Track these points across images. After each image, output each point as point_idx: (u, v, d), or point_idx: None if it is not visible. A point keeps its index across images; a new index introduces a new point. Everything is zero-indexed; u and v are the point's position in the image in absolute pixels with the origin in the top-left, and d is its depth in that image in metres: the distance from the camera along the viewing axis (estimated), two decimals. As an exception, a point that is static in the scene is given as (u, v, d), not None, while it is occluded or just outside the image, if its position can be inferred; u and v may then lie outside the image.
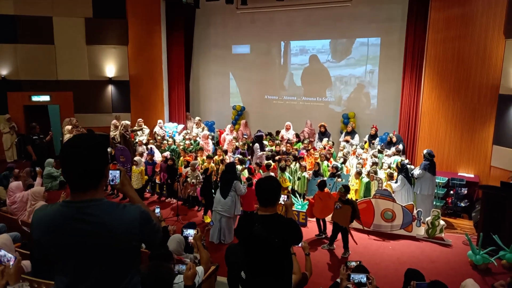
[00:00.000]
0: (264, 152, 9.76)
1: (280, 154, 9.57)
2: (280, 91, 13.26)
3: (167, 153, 9.42)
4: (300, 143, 10.54)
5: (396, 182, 7.84)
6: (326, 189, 7.15)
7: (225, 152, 9.66)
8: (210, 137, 11.22)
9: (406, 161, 8.44)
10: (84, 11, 12.75)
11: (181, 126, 12.54)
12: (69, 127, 10.84)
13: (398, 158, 8.62)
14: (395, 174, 8.11)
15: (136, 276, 1.84)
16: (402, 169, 7.84)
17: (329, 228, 7.11)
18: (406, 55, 10.25)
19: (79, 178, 1.70)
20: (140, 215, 1.78)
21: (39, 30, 12.44)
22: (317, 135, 11.14)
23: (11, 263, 3.01)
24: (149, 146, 10.21)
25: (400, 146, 9.34)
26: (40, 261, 3.46)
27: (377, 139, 10.34)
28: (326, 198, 6.97)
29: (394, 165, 8.53)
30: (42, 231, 1.74)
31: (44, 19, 12.44)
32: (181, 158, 9.56)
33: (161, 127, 11.94)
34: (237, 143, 10.59)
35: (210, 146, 10.80)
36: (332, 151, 9.85)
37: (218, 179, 8.36)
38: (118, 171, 2.00)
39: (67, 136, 10.69)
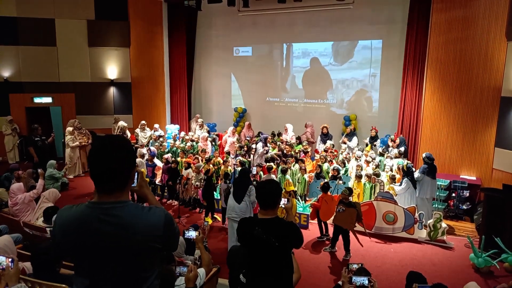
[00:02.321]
0: (263, 150, 9.76)
1: (280, 156, 9.57)
2: (281, 93, 13.27)
3: (168, 155, 9.41)
4: (300, 145, 10.53)
5: (400, 185, 7.82)
6: (329, 192, 7.09)
7: (228, 153, 9.64)
8: (210, 139, 11.22)
9: (411, 164, 8.41)
10: (86, 13, 12.81)
11: (176, 127, 12.59)
12: (70, 128, 10.85)
13: (400, 161, 8.58)
14: (398, 176, 8.08)
15: (157, 280, 1.83)
16: (408, 172, 7.78)
17: (330, 230, 7.09)
18: (407, 57, 10.25)
19: (107, 179, 1.71)
20: (165, 218, 1.79)
21: (41, 32, 12.49)
22: (319, 137, 11.13)
23: (10, 264, 3.01)
24: (152, 148, 10.21)
25: (402, 149, 9.31)
26: (51, 262, 3.45)
27: (378, 141, 10.33)
28: (330, 200, 6.94)
29: (395, 168, 8.51)
30: (65, 231, 1.73)
31: (46, 21, 12.48)
32: (179, 159, 9.56)
33: (155, 131, 11.93)
34: (239, 145, 10.57)
35: (209, 148, 10.78)
36: (335, 154, 9.85)
37: (219, 182, 8.37)
38: (136, 173, 1.99)
39: (68, 138, 10.70)
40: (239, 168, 8.77)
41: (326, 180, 7.93)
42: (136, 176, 1.98)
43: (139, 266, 1.74)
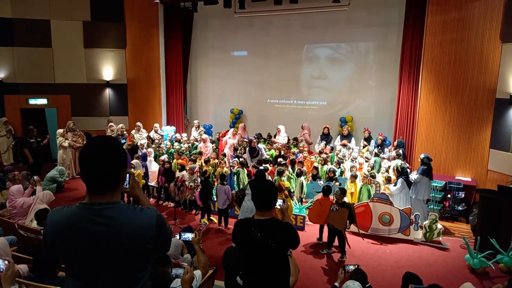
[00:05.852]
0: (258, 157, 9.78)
1: (280, 157, 9.55)
2: (277, 94, 13.26)
3: (164, 157, 9.38)
4: (295, 147, 10.48)
5: (395, 185, 7.83)
6: (330, 197, 6.86)
7: (224, 155, 9.61)
8: (209, 140, 11.19)
9: (406, 165, 8.43)
10: (82, 14, 12.77)
11: (172, 129, 12.55)
12: (60, 130, 10.75)
13: (399, 162, 8.56)
14: (393, 177, 8.10)
15: (150, 281, 1.83)
16: (402, 172, 7.80)
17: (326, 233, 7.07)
18: (403, 58, 10.27)
19: (99, 180, 1.70)
20: (157, 218, 1.78)
21: (37, 33, 12.44)
22: (319, 137, 11.09)
23: (7, 267, 3.00)
24: (149, 150, 10.16)
25: (400, 151, 9.33)
26: (45, 264, 3.43)
27: (372, 141, 10.34)
28: (326, 204, 6.79)
29: (391, 169, 8.51)
30: (56, 232, 1.72)
31: (41, 22, 12.44)
32: (175, 161, 9.53)
33: (156, 131, 11.91)
34: (238, 147, 10.52)
35: (209, 150, 10.74)
36: (329, 155, 9.83)
37: (215, 183, 8.34)
38: (127, 174, 1.98)
39: (59, 140, 10.61)
40: (239, 169, 8.75)
41: (327, 183, 7.82)
42: (127, 177, 1.97)
43: (131, 267, 1.73)
